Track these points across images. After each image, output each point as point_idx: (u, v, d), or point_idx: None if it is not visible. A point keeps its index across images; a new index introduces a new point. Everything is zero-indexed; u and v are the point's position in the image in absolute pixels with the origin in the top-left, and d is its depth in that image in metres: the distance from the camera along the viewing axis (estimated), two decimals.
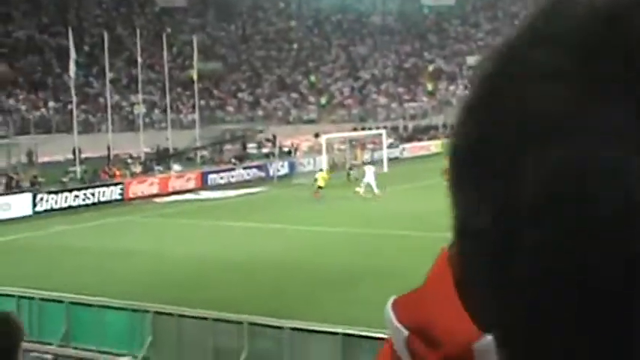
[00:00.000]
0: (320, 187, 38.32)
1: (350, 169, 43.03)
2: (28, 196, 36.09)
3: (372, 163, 43.97)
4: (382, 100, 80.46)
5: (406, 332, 0.80)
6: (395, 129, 68.16)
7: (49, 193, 36.99)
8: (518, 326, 0.50)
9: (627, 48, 0.46)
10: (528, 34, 0.51)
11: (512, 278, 0.48)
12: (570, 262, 0.46)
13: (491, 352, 0.71)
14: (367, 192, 38.00)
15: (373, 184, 38.45)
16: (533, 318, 0.48)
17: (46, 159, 49.20)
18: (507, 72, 0.51)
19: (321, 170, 41.89)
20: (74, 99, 50.13)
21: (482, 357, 0.74)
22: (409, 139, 65.39)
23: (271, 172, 48.23)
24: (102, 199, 38.73)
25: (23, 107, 63.56)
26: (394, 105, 78.35)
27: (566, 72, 0.47)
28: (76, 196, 37.80)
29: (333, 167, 46.25)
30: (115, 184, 40.36)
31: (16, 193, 36.58)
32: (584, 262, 0.45)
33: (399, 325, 0.80)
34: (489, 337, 0.62)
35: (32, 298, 17.55)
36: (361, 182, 38.95)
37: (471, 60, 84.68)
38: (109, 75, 53.77)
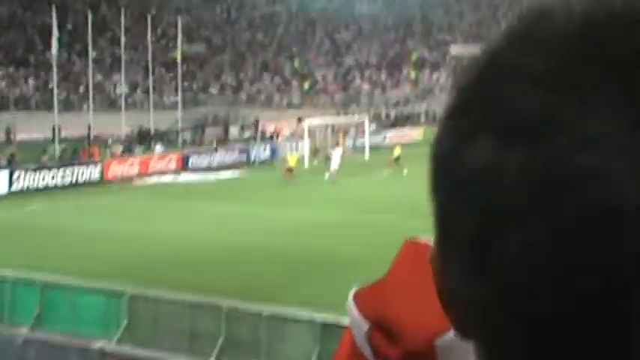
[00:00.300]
0: (289, 169, 38.41)
1: (328, 159, 42.25)
2: (5, 173, 35.57)
3: (339, 145, 44.07)
4: (365, 86, 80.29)
5: (367, 326, 0.79)
6: (377, 116, 68.07)
7: (27, 171, 36.49)
8: (505, 334, 0.50)
9: (605, 54, 0.47)
10: (508, 41, 0.52)
11: (498, 284, 0.49)
12: (558, 266, 0.46)
13: (453, 348, 0.69)
14: (337, 174, 38.33)
15: (335, 165, 38.70)
16: (521, 324, 0.49)
17: (24, 137, 48.68)
18: (487, 77, 0.52)
19: (292, 152, 41.83)
20: (55, 77, 49.55)
21: (444, 353, 0.74)
22: (391, 127, 65.29)
23: (253, 156, 47.96)
24: (80, 179, 38.27)
25: (3, 83, 62.82)
26: (377, 92, 78.23)
27: (545, 76, 0.48)
28: (54, 176, 37.33)
29: (315, 152, 46.07)
30: (95, 164, 39.93)
31: None
32: (570, 265, 0.46)
33: (360, 318, 0.80)
34: (452, 334, 0.61)
35: (4, 279, 17.22)
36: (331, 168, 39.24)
37: (455, 49, 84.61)
38: (91, 54, 53.16)
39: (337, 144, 44.56)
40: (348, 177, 38.27)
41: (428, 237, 0.89)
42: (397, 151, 41.87)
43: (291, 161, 39.17)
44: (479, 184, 0.50)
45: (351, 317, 0.82)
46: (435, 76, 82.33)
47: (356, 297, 0.82)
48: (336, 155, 39.68)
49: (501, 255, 0.48)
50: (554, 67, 0.48)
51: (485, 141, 0.49)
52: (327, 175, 38.71)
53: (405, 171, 38.59)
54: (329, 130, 53.54)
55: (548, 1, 0.52)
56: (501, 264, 0.48)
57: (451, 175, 0.52)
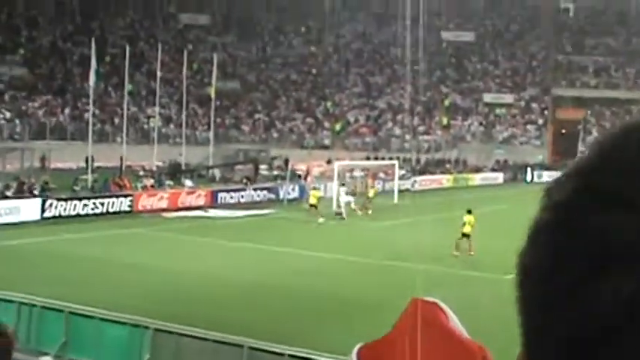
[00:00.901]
0: (312, 206, 38.66)
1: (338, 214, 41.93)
2: (38, 201, 36.16)
3: (343, 184, 44.77)
4: (397, 130, 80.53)
5: None
6: (407, 161, 68.15)
7: (59, 199, 37.04)
8: None
9: None
10: (599, 163, 0.52)
11: None
12: None
13: None
14: (350, 210, 40.27)
15: (342, 201, 40.52)
16: None
17: (58, 165, 49.35)
18: (580, 200, 0.52)
19: (314, 189, 41.75)
20: (91, 108, 50.36)
21: None
22: (421, 172, 65.31)
23: (281, 195, 48.18)
24: (111, 209, 38.76)
25: (40, 112, 63.89)
26: (408, 136, 78.42)
27: (638, 202, 0.48)
28: (85, 205, 37.85)
29: (356, 194, 46.20)
30: (125, 196, 40.40)
31: (26, 197, 36.65)
32: None
33: None
34: None
35: (33, 306, 17.45)
36: (339, 205, 40.49)
37: (488, 97, 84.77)
38: (127, 87, 54.00)
39: (342, 184, 45.12)
40: (375, 221, 38.50)
41: (434, 298, 0.92)
42: (371, 192, 44.39)
43: (313, 199, 39.41)
44: (571, 304, 0.49)
45: None
46: (466, 123, 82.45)
47: (359, 353, 0.83)
48: (342, 191, 41.32)
49: None
50: None
51: (579, 263, 0.50)
52: (339, 210, 40.11)
53: (369, 212, 41.40)
54: (359, 173, 53.77)
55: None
56: None
57: (542, 291, 0.52)
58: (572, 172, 0.54)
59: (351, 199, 41.32)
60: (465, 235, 28.81)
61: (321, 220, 38.22)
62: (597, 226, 0.49)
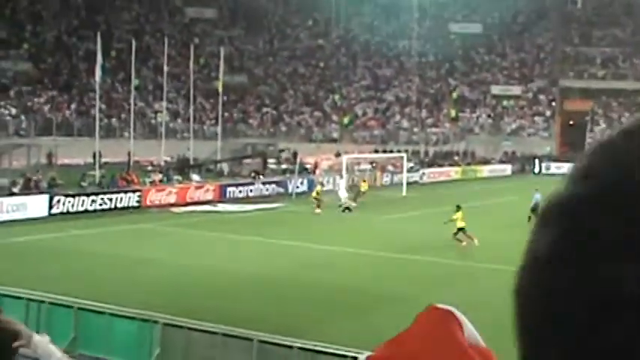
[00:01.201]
0: (315, 199, 39.10)
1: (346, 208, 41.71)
2: (45, 197, 36.04)
3: (342, 176, 45.08)
4: (405, 123, 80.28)
5: None
6: (416, 153, 67.97)
7: (66, 195, 36.92)
8: None
9: None
10: (595, 200, 0.50)
11: None
12: None
13: None
14: (349, 200, 40.43)
15: (344, 194, 40.68)
16: None
17: (65, 161, 49.31)
18: (576, 244, 0.50)
19: (321, 184, 42.38)
20: (98, 103, 50.21)
21: None
22: (430, 164, 65.13)
23: (290, 189, 48.03)
24: (119, 205, 38.64)
25: (46, 108, 63.78)
26: (416, 129, 78.18)
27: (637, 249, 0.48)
28: (93, 201, 37.72)
29: (352, 187, 46.08)
30: (133, 191, 40.28)
31: (33, 194, 36.55)
32: None
33: None
34: None
35: (42, 302, 17.35)
36: (341, 197, 40.61)
37: (495, 89, 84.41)
38: (134, 81, 53.83)
39: (341, 175, 45.43)
40: (384, 214, 38.35)
41: (448, 305, 0.89)
42: (364, 187, 44.54)
43: (315, 192, 40.19)
44: (564, 324, 0.50)
45: None
46: (474, 115, 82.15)
47: None
48: (342, 185, 41.58)
49: None
50: None
51: (577, 308, 0.49)
52: (344, 202, 40.14)
53: (354, 204, 41.01)
54: (367, 166, 53.64)
55: None
56: None
57: (552, 277, 0.52)
58: (581, 174, 0.52)
59: (345, 192, 41.45)
60: (460, 229, 28.91)
61: (317, 210, 38.57)
62: (595, 274, 0.49)
